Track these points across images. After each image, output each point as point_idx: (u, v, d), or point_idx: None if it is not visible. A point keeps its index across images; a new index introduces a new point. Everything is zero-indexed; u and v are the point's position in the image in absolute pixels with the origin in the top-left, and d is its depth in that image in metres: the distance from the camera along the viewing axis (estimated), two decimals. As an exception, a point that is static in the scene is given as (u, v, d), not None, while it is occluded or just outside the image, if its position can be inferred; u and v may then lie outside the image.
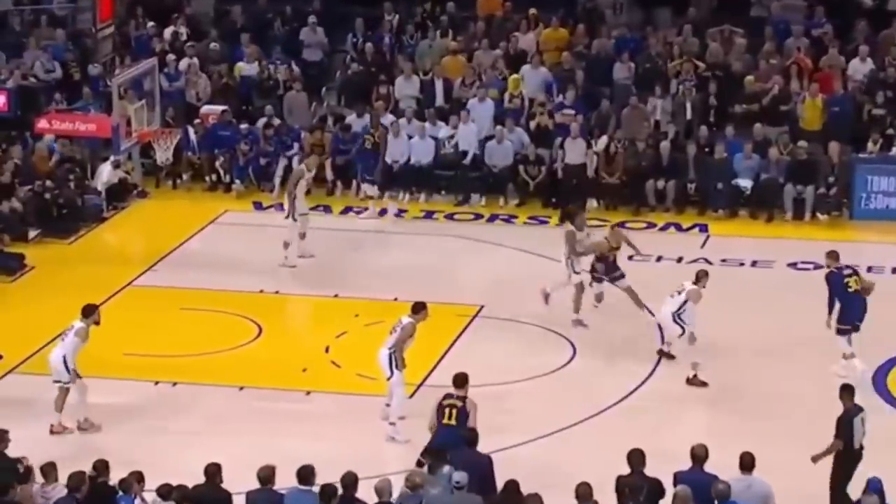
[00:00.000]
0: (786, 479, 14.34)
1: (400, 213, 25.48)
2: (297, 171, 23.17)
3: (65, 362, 17.39)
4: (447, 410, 15.43)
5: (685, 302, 18.78)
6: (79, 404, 17.59)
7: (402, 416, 17.24)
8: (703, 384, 18.64)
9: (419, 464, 15.24)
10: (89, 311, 17.76)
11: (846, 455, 14.80)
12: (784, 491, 13.84)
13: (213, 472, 13.68)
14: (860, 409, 15.00)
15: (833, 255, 19.08)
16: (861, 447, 14.95)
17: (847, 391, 15.11)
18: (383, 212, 25.17)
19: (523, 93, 26.85)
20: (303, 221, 22.73)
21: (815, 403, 15.26)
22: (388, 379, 17.31)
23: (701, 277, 19.06)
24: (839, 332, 18.67)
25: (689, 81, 26.65)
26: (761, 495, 13.71)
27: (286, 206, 22.73)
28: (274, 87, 28.16)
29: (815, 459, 14.80)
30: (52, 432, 17.37)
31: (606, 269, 20.43)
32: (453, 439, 14.95)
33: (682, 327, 18.79)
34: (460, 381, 15.72)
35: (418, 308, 17.51)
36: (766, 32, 27.72)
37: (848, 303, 18.60)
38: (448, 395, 15.60)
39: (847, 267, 18.93)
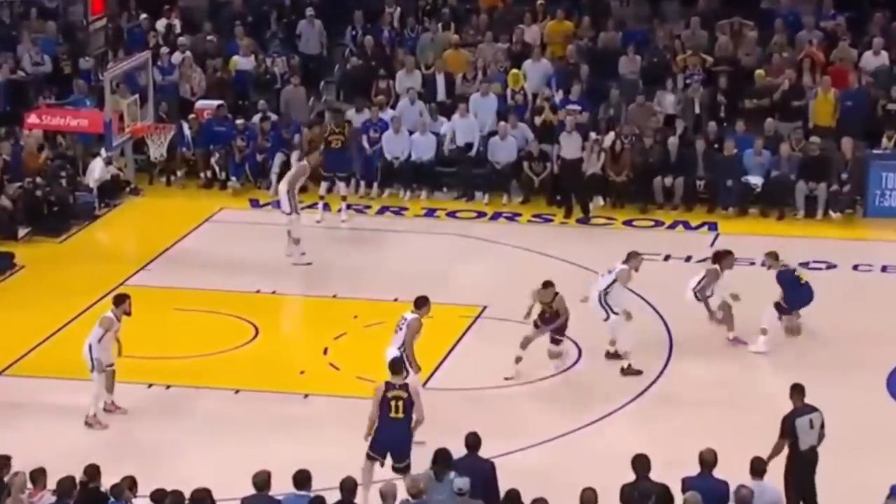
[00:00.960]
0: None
1: (400, 211, 25.49)
2: (300, 169, 23.15)
3: (89, 351, 17.52)
4: (393, 403, 15.24)
5: (613, 282, 18.74)
6: (93, 399, 17.64)
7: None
8: (638, 372, 18.78)
9: (369, 457, 15.24)
10: (118, 301, 17.91)
11: (793, 457, 14.67)
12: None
13: (203, 497, 13.54)
14: (810, 410, 14.85)
15: (773, 255, 19.80)
16: (811, 448, 14.75)
17: (797, 390, 15.03)
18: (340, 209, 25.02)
19: (525, 88, 26.82)
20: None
21: (828, 407, 15.21)
22: None
23: (632, 257, 19.02)
24: (779, 308, 19.43)
25: (697, 76, 26.61)
26: (772, 501, 13.69)
27: (286, 203, 22.66)
28: (271, 81, 28.13)
29: (766, 461, 14.69)
30: (105, 410, 17.84)
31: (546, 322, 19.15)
32: (401, 434, 15.15)
33: (608, 312, 18.75)
34: (397, 366, 15.73)
35: (421, 303, 17.49)
36: (777, 25, 27.66)
37: (800, 292, 19.55)
38: (390, 386, 15.36)
39: (790, 264, 19.81)
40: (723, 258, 20.16)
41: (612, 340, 19.22)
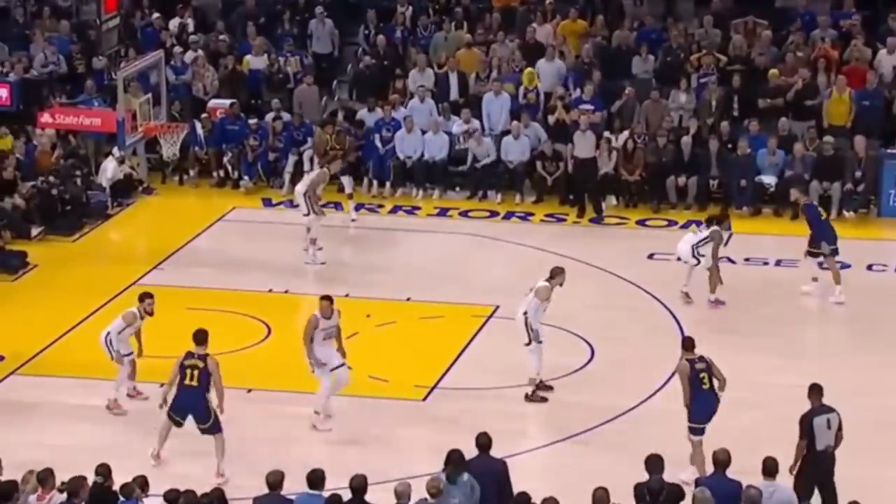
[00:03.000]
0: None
1: (413, 211, 25.56)
2: (320, 175, 23.17)
3: (108, 343, 17.81)
4: (188, 371, 16.28)
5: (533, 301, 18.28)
6: (116, 384, 17.92)
7: (320, 412, 17.59)
8: (543, 399, 18.36)
9: (169, 417, 16.42)
10: (142, 298, 18.16)
11: (808, 456, 14.68)
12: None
13: (217, 496, 13.60)
14: (828, 410, 14.89)
15: (803, 190, 22.21)
16: (826, 449, 14.76)
17: (815, 390, 15.09)
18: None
19: (538, 87, 26.85)
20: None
21: (843, 405, 15.22)
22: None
23: (556, 274, 18.56)
24: (811, 254, 21.13)
25: (711, 75, 26.61)
26: (783, 501, 13.70)
27: (304, 205, 22.66)
28: (284, 80, 28.18)
29: (791, 469, 14.67)
30: (128, 395, 18.30)
31: None
32: (194, 401, 16.30)
33: (530, 337, 18.17)
34: (200, 337, 16.50)
35: (322, 298, 17.83)
36: (785, 24, 27.56)
37: (824, 228, 21.11)
38: (189, 355, 16.34)
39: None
40: (724, 219, 20.84)
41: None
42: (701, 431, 15.98)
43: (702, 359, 16.09)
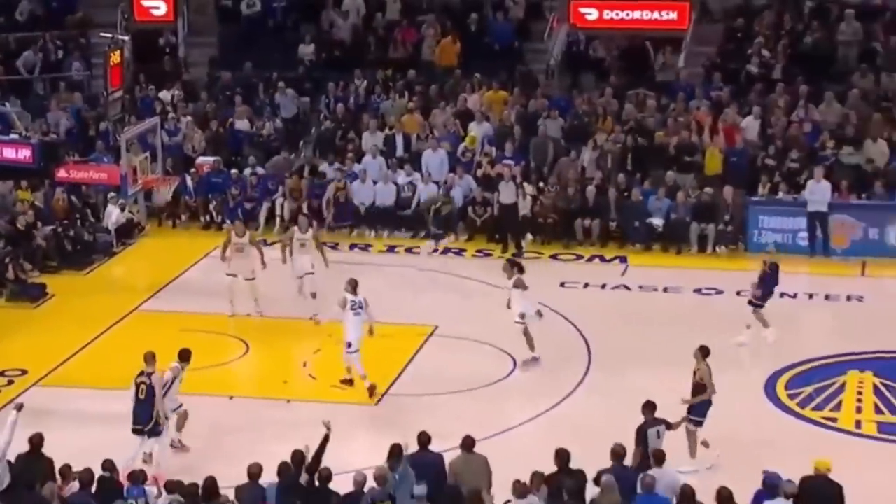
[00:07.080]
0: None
1: (367, 248, 25.67)
2: (290, 232, 22.58)
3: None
4: (139, 387, 16.05)
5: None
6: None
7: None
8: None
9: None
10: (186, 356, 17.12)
11: (644, 463, 14.61)
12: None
13: (210, 485, 13.57)
14: (658, 422, 15.03)
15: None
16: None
17: (648, 407, 15.15)
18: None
19: (475, 148, 27.09)
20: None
21: (720, 408, 15.40)
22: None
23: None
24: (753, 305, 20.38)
25: (611, 136, 26.91)
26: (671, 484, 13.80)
27: (285, 257, 21.98)
28: (264, 141, 28.29)
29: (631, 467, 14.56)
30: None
31: None
32: (146, 414, 15.92)
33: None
34: (148, 357, 16.14)
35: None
36: (679, 96, 27.88)
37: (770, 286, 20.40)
38: (141, 373, 16.09)
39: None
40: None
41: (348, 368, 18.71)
42: None
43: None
